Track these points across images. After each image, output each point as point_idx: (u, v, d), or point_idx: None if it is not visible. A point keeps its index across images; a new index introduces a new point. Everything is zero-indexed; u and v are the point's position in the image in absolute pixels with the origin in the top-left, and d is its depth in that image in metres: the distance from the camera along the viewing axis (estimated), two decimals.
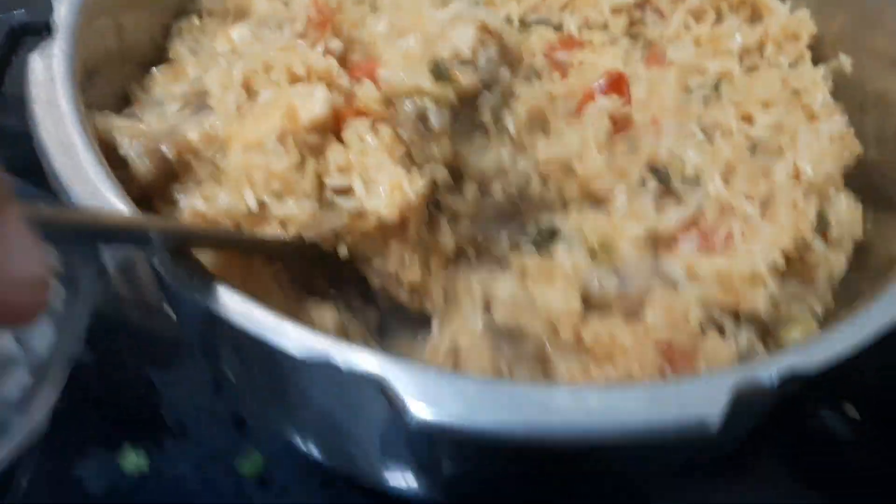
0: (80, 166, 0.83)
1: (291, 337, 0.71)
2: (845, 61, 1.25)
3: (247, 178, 0.91)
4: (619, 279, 0.99)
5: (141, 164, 0.96)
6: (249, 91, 1.00)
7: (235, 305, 0.73)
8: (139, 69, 1.15)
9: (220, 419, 1.33)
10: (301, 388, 0.87)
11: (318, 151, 0.96)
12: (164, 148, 0.97)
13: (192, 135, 0.97)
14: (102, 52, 1.06)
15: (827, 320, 1.10)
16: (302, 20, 1.08)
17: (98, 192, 0.81)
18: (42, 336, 1.54)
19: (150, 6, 1.20)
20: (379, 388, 0.68)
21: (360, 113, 0.98)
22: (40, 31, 0.99)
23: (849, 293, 1.10)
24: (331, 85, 0.99)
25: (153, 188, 0.99)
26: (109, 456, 1.30)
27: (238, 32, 1.10)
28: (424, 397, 0.67)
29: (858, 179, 1.15)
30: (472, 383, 0.69)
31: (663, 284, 1.00)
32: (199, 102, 1.02)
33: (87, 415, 1.35)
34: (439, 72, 0.93)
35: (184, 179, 0.99)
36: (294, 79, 0.98)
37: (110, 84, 1.09)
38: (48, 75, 0.90)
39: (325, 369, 0.69)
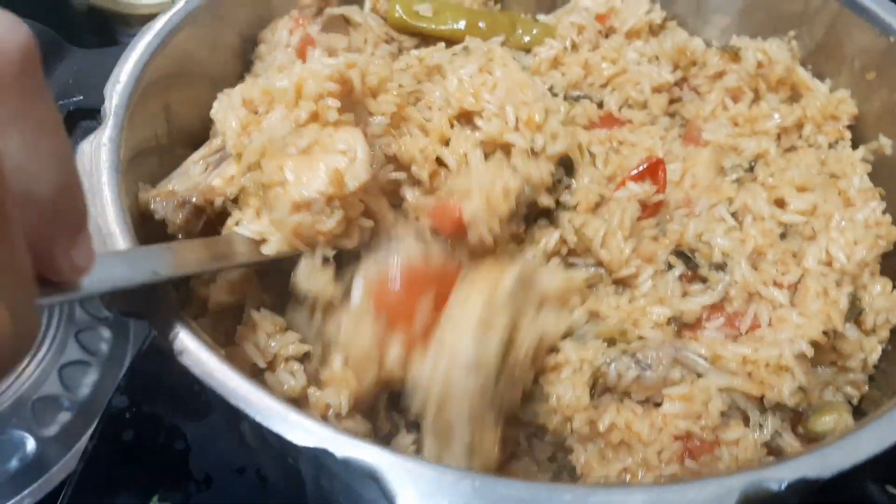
0: None
1: (293, 424, 0.73)
2: (886, 143, 1.23)
3: (295, 234, 0.95)
4: (638, 367, 0.98)
5: (175, 218, 1.02)
6: (251, 108, 1.03)
7: (242, 390, 0.75)
8: (190, 149, 1.19)
9: (244, 473, 1.35)
10: (305, 469, 0.89)
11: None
12: (193, 199, 1.03)
13: (216, 181, 1.04)
14: (151, 137, 1.13)
15: (863, 405, 1.08)
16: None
17: None
18: (86, 377, 1.59)
19: (202, 87, 1.25)
20: (372, 478, 0.69)
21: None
22: (95, 116, 1.07)
23: (887, 377, 1.07)
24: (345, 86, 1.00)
25: (191, 234, 1.04)
26: (137, 501, 1.34)
27: None
28: (416, 490, 0.68)
29: None
30: (467, 478, 0.69)
31: (684, 372, 0.98)
32: (217, 159, 1.09)
33: (119, 459, 1.39)
34: None
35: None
36: (299, 92, 0.98)
37: (160, 164, 1.15)
38: (94, 164, 0.96)
39: (323, 457, 0.71)
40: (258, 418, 0.73)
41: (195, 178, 1.06)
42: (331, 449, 0.70)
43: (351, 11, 1.43)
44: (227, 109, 1.03)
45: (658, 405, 0.98)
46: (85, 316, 1.64)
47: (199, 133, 1.24)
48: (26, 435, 1.48)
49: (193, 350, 0.79)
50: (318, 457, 0.72)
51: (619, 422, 0.96)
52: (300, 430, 0.72)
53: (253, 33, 1.33)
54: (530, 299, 0.98)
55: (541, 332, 0.98)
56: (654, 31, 1.43)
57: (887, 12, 1.23)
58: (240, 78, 1.33)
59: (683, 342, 1.01)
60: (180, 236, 1.03)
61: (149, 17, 1.14)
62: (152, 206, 1.02)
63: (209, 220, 1.05)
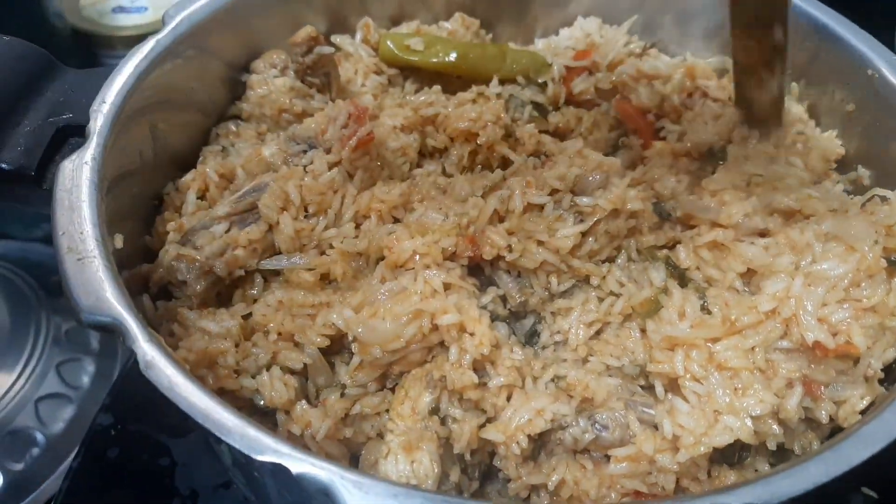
0: (91, 273, 0.90)
1: (251, 440, 0.74)
2: (864, 173, 1.24)
3: None
4: (595, 430, 0.97)
5: (196, 285, 1.08)
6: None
7: (203, 405, 0.76)
8: (176, 170, 1.24)
9: (230, 488, 1.36)
10: (269, 483, 0.90)
11: None
12: (217, 270, 1.07)
13: (240, 252, 1.08)
14: (136, 158, 1.15)
15: None
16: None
17: (102, 299, 0.87)
18: (63, 411, 1.54)
19: (189, 112, 1.30)
20: (325, 494, 0.70)
21: None
22: (84, 133, 1.08)
23: None
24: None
25: (206, 301, 1.10)
26: None
27: (268, 150, 1.21)
28: None
29: None
30: (417, 494, 0.70)
31: (642, 427, 0.98)
32: (241, 219, 1.12)
33: (104, 476, 1.40)
34: None
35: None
36: None
37: (143, 184, 1.18)
38: (75, 182, 0.98)
39: (276, 471, 0.72)
40: (217, 433, 0.74)
41: (218, 238, 1.09)
42: (286, 464, 0.71)
43: (343, 42, 1.47)
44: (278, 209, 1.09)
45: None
46: (69, 345, 1.60)
47: (185, 157, 1.28)
48: None
49: (160, 365, 0.81)
50: (276, 471, 0.73)
51: (568, 479, 0.96)
52: (257, 446, 0.73)
53: (239, 62, 1.36)
54: None
55: None
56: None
57: (866, 45, 1.25)
58: (229, 105, 1.37)
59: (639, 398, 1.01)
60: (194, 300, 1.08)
61: (131, 39, 1.16)
62: (175, 265, 1.07)
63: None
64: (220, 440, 0.75)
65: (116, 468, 1.42)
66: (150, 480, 1.41)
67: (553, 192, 1.07)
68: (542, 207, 1.08)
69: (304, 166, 1.18)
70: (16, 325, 1.58)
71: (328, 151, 1.17)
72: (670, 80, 1.40)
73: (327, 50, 1.37)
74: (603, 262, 1.10)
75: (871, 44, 1.25)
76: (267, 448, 0.73)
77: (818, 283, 0.97)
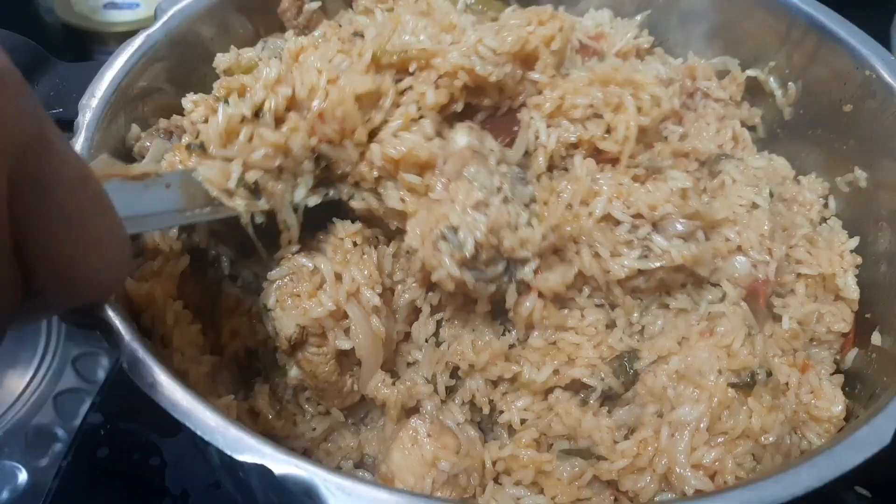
0: None
1: (233, 440, 0.73)
2: (860, 175, 1.23)
3: None
4: None
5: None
6: None
7: (185, 404, 0.75)
8: None
9: (221, 488, 1.35)
10: (255, 483, 0.89)
11: None
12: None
13: None
14: (121, 147, 1.14)
15: None
16: None
17: None
18: (82, 405, 1.50)
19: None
20: (307, 495, 0.69)
21: None
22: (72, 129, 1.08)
23: None
24: None
25: None
26: None
27: None
28: None
29: None
30: (400, 496, 0.69)
31: None
32: None
33: (94, 477, 1.39)
34: None
35: None
36: None
37: None
38: None
39: (260, 472, 0.71)
40: (199, 432, 0.73)
41: None
42: (268, 465, 0.70)
43: None
44: None
45: None
46: (83, 339, 1.60)
47: None
48: (18, 466, 1.45)
49: (143, 365, 0.79)
50: (260, 472, 0.72)
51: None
52: (240, 446, 0.72)
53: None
54: None
55: None
56: (641, 55, 1.44)
57: (864, 45, 1.24)
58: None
59: None
60: None
61: (124, 35, 1.15)
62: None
63: None
64: (207, 443, 0.74)
65: (107, 467, 1.41)
66: (140, 480, 1.40)
67: (637, 215, 1.03)
68: (618, 223, 1.04)
69: None
70: None
71: None
72: (670, 84, 1.38)
73: (315, 5, 1.35)
74: (640, 300, 1.07)
75: (869, 44, 1.23)
76: (249, 448, 0.72)
77: (681, 431, 0.95)
